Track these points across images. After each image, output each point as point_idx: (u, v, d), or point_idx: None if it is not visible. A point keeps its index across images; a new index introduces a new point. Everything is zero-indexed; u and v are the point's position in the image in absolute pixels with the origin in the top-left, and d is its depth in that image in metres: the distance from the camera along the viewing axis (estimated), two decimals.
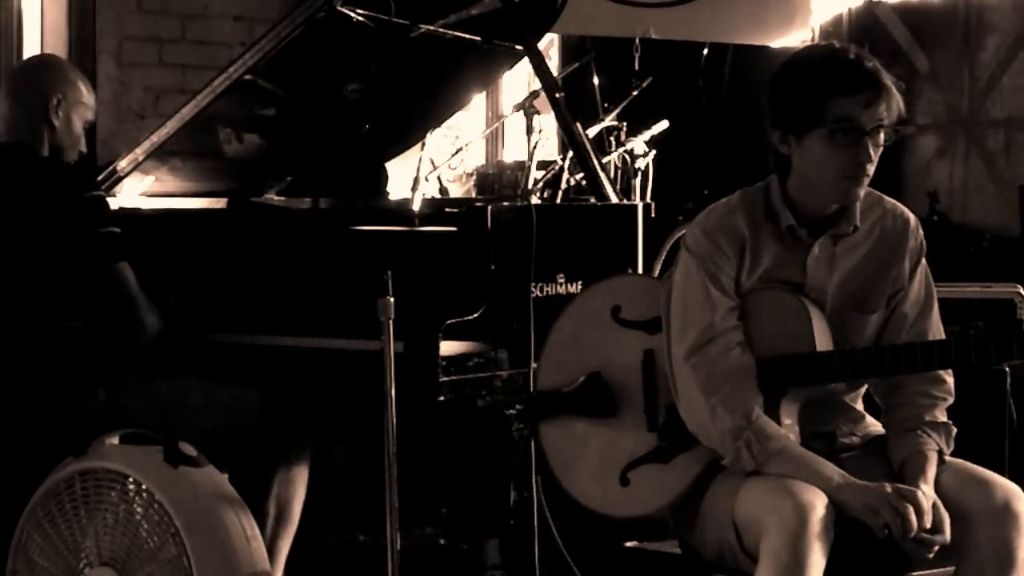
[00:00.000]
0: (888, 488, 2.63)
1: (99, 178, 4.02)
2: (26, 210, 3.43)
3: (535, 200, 4.35)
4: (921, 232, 2.91)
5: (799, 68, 2.79)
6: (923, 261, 2.90)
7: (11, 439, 3.38)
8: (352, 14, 3.92)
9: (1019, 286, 4.38)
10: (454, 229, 3.54)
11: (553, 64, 6.09)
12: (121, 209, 3.71)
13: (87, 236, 3.40)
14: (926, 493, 2.65)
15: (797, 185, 2.81)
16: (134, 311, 3.44)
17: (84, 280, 3.42)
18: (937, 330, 2.89)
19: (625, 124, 5.09)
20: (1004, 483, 2.71)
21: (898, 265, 2.87)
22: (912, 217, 2.91)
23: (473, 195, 5.01)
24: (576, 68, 5.42)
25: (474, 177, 5.06)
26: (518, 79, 6.45)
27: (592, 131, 4.83)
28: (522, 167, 4.61)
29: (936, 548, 2.62)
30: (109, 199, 3.61)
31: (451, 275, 3.48)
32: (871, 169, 2.75)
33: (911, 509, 2.59)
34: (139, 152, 4.10)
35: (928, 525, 2.60)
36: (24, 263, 3.42)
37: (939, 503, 2.65)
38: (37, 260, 3.41)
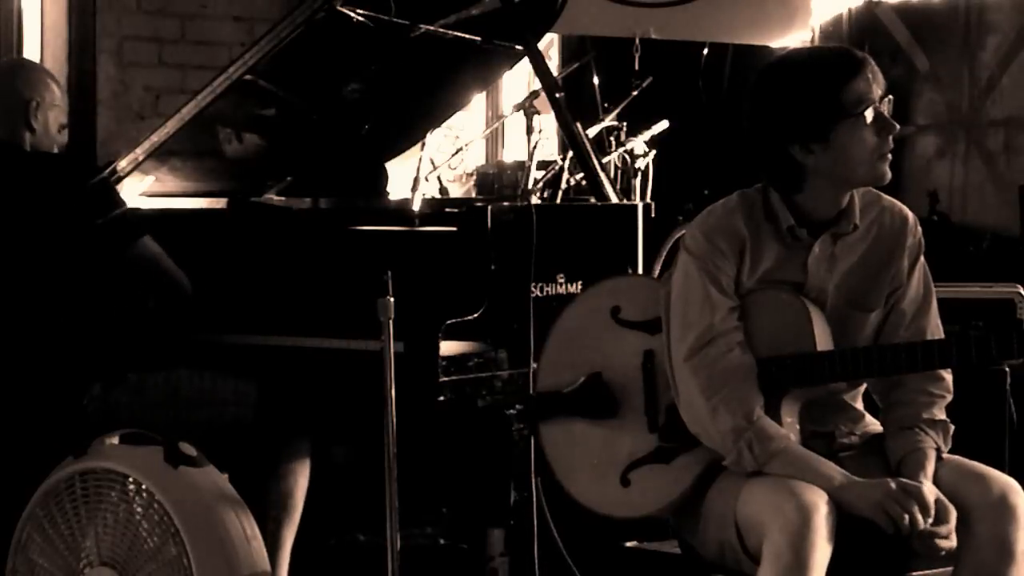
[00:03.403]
0: (892, 484, 2.63)
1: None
2: (21, 206, 3.43)
3: (535, 200, 4.35)
4: (919, 229, 2.91)
5: (795, 78, 2.76)
6: (921, 258, 2.90)
7: (11, 439, 3.38)
8: (352, 14, 3.92)
9: (1019, 286, 4.38)
10: (454, 229, 3.54)
11: (553, 64, 6.09)
12: None
13: (101, 223, 3.41)
14: (928, 488, 2.65)
15: (814, 188, 2.79)
16: (172, 277, 3.50)
17: (111, 265, 3.43)
18: (936, 328, 2.89)
19: (625, 124, 5.09)
20: (1001, 477, 2.71)
21: (896, 263, 2.87)
22: (910, 215, 2.91)
23: (473, 195, 5.01)
24: (576, 68, 5.43)
25: (474, 177, 5.07)
26: (518, 79, 6.45)
27: (592, 131, 4.83)
28: (522, 167, 4.61)
29: (949, 542, 2.62)
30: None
31: (451, 275, 3.48)
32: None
33: (916, 505, 2.59)
34: (139, 152, 4.10)
35: (932, 516, 2.60)
36: (20, 259, 3.42)
37: (942, 496, 2.65)
38: (34, 256, 3.41)
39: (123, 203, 3.48)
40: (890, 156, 2.78)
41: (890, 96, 2.77)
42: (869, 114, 2.73)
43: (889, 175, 2.79)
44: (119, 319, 3.52)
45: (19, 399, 3.39)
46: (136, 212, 3.49)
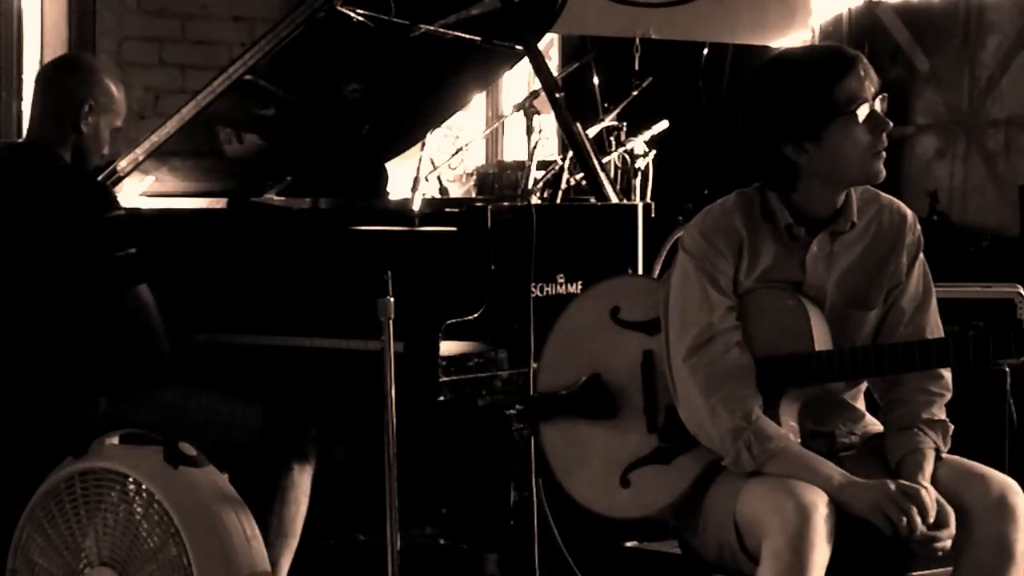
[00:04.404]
0: (892, 486, 2.63)
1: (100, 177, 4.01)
2: (41, 217, 3.41)
3: (535, 200, 4.35)
4: (919, 227, 2.91)
5: (787, 77, 2.77)
6: (921, 256, 2.90)
7: (11, 439, 3.38)
8: (352, 14, 3.92)
9: (1019, 286, 4.39)
10: (454, 229, 3.54)
11: (553, 64, 6.09)
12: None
13: (105, 259, 3.38)
14: (927, 490, 2.65)
15: (809, 187, 2.80)
16: (150, 335, 3.42)
17: (102, 300, 3.40)
18: (935, 325, 2.89)
19: (625, 124, 5.08)
20: (1000, 477, 2.71)
21: (896, 260, 2.87)
22: (909, 212, 2.91)
23: (473, 195, 5.01)
24: (576, 68, 5.42)
25: (474, 177, 5.07)
26: (518, 79, 6.45)
27: (592, 131, 4.82)
28: (522, 167, 4.61)
29: (947, 544, 2.62)
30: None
31: (451, 275, 3.48)
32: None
33: (915, 508, 2.59)
34: (139, 152, 4.10)
35: (932, 522, 2.60)
36: (33, 268, 3.41)
37: (941, 499, 2.65)
38: (47, 267, 3.40)
39: (132, 243, 3.43)
40: (884, 154, 2.78)
41: (884, 94, 2.77)
42: (862, 112, 2.73)
43: (883, 173, 2.79)
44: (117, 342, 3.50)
45: (20, 400, 3.38)
46: (139, 255, 3.44)
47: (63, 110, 3.51)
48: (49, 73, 3.73)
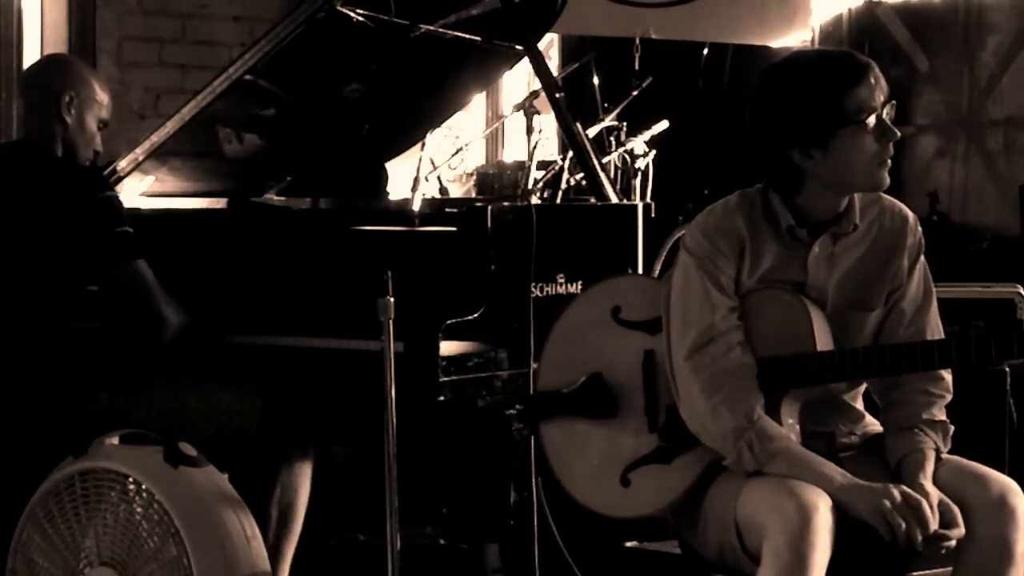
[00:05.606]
0: (895, 492, 2.62)
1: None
2: (37, 210, 3.42)
3: (535, 200, 4.35)
4: (919, 229, 2.91)
5: (797, 82, 2.76)
6: (922, 258, 2.90)
7: (11, 439, 3.38)
8: (352, 14, 3.92)
9: (1019, 286, 4.39)
10: (454, 229, 3.54)
11: (553, 64, 6.10)
12: None
13: (102, 236, 3.39)
14: (929, 491, 2.65)
15: (813, 191, 2.79)
16: (155, 308, 3.43)
17: (101, 280, 3.41)
18: (936, 327, 2.89)
19: (625, 124, 5.09)
20: (1000, 478, 2.71)
21: (897, 262, 2.87)
22: (910, 214, 2.91)
23: (473, 195, 5.01)
24: (576, 68, 5.43)
25: (474, 177, 5.07)
26: (518, 79, 6.45)
27: (592, 131, 4.83)
28: (522, 167, 4.61)
29: (952, 543, 2.62)
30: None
31: (451, 275, 3.48)
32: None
33: (915, 518, 2.58)
34: (139, 152, 4.10)
35: (932, 530, 2.60)
36: (33, 263, 3.42)
37: (947, 499, 2.64)
38: (46, 260, 3.41)
39: (127, 222, 3.45)
40: (889, 162, 2.78)
41: (893, 101, 2.76)
42: (871, 121, 2.72)
43: (887, 181, 2.79)
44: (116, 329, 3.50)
45: (22, 399, 3.38)
46: (136, 235, 3.45)
47: (45, 104, 3.54)
48: (29, 73, 3.80)
